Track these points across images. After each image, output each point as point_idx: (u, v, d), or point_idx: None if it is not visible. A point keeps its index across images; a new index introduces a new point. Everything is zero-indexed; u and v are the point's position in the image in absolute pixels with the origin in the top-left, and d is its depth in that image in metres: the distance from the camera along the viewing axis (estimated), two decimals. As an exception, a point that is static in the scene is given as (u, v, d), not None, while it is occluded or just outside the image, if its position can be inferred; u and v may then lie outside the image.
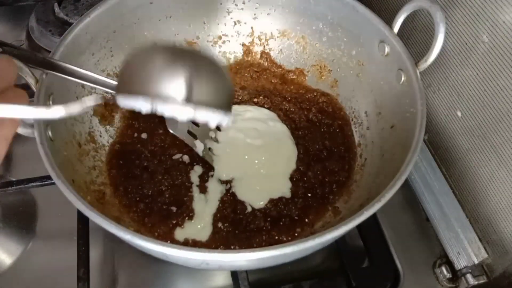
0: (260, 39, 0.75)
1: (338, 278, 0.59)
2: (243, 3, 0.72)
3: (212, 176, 0.62)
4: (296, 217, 0.59)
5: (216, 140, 0.65)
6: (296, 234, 0.57)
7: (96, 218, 0.42)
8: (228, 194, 0.61)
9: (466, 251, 0.60)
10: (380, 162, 0.60)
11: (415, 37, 0.67)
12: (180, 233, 0.57)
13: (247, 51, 0.76)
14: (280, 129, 0.67)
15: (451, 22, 0.58)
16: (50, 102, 0.53)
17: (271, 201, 0.60)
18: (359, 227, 0.52)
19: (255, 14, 0.73)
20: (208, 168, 0.63)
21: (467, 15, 0.56)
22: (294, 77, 0.75)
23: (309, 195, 0.61)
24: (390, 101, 0.61)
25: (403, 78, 0.57)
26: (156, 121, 0.66)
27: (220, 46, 0.75)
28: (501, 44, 0.52)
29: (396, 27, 0.59)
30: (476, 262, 0.59)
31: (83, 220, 0.59)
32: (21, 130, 0.48)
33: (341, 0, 0.64)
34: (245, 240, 0.56)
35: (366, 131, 0.66)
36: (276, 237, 0.57)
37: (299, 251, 0.42)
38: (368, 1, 0.64)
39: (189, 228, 0.57)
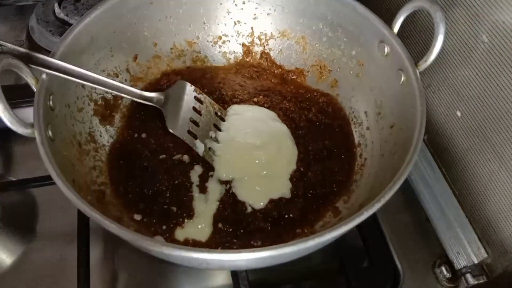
0: (260, 39, 0.75)
1: (338, 278, 0.59)
2: (243, 3, 0.72)
3: (212, 176, 0.62)
4: (296, 217, 0.59)
5: (216, 140, 0.65)
6: (296, 234, 0.57)
7: (96, 218, 0.42)
8: (228, 194, 0.61)
9: (466, 251, 0.60)
10: (380, 162, 0.60)
11: (415, 37, 0.67)
12: (180, 233, 0.57)
13: (247, 51, 0.76)
14: (280, 128, 0.67)
15: (451, 22, 0.58)
16: (51, 103, 0.53)
17: (271, 201, 0.60)
18: (359, 227, 0.52)
19: (255, 14, 0.73)
20: (208, 168, 0.63)
21: (467, 15, 0.56)
22: (294, 77, 0.75)
23: (309, 195, 0.61)
24: (390, 101, 0.61)
25: (403, 78, 0.57)
26: (156, 121, 0.66)
27: (220, 46, 0.75)
28: (501, 44, 0.52)
29: (396, 27, 0.59)
30: (476, 262, 0.59)
31: (83, 220, 0.59)
32: (21, 130, 0.48)
33: (341, 0, 0.65)
34: (245, 240, 0.56)
35: (365, 131, 0.66)
36: (276, 237, 0.57)
37: (299, 251, 0.42)
38: (368, 1, 0.64)
39: (189, 228, 0.57)
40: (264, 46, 0.75)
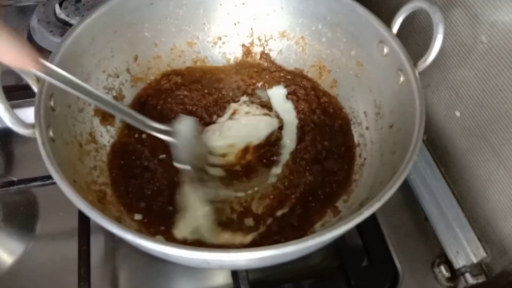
0: (260, 40, 0.75)
1: (337, 277, 0.59)
2: (243, 4, 0.72)
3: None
4: (296, 224, 0.59)
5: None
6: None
7: (97, 218, 0.43)
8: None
9: (465, 251, 0.61)
10: (379, 162, 0.60)
11: (414, 38, 0.67)
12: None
13: (247, 51, 0.76)
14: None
15: (450, 22, 0.59)
16: (52, 103, 0.53)
17: (271, 210, 0.60)
18: (358, 226, 0.52)
19: (254, 15, 0.73)
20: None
21: (466, 15, 0.56)
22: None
23: (310, 198, 0.61)
24: (389, 101, 0.61)
25: (402, 78, 0.57)
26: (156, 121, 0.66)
27: (220, 47, 0.75)
28: (500, 45, 0.52)
29: (395, 28, 0.59)
30: (475, 261, 0.60)
31: (84, 220, 0.59)
32: (22, 131, 0.48)
33: (340, 0, 0.65)
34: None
35: (365, 131, 0.66)
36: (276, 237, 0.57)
37: (299, 250, 0.42)
38: (367, 1, 0.64)
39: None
40: (264, 47, 0.76)
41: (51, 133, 0.50)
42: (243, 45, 0.76)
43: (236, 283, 0.57)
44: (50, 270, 0.61)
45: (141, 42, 0.70)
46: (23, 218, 0.66)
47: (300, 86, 0.72)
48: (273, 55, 0.76)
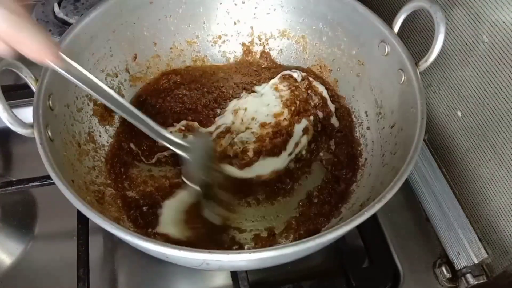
0: (260, 39, 0.75)
1: (338, 278, 0.59)
2: (243, 2, 0.72)
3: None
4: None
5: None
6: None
7: (96, 218, 0.42)
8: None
9: (466, 251, 0.60)
10: (380, 162, 0.60)
11: (415, 37, 0.67)
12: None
13: (247, 50, 0.76)
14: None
15: (451, 22, 0.58)
16: (50, 103, 0.53)
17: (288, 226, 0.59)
18: (359, 227, 0.52)
19: (255, 14, 0.73)
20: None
21: (467, 15, 0.56)
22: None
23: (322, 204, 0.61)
24: (390, 100, 0.61)
25: (403, 78, 0.57)
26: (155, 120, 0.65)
27: (220, 46, 0.75)
28: (501, 44, 0.52)
29: (396, 27, 0.59)
30: (476, 262, 0.59)
31: (82, 220, 0.59)
32: (20, 130, 0.48)
33: (341, -1, 0.64)
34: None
35: (366, 131, 0.66)
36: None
37: (299, 251, 0.42)
38: (368, 1, 0.64)
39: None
40: (264, 46, 0.75)
41: (49, 133, 0.50)
42: (243, 44, 0.75)
43: (236, 284, 0.56)
44: (49, 271, 0.60)
45: (140, 41, 0.69)
46: (21, 219, 0.66)
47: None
48: (274, 54, 0.76)
